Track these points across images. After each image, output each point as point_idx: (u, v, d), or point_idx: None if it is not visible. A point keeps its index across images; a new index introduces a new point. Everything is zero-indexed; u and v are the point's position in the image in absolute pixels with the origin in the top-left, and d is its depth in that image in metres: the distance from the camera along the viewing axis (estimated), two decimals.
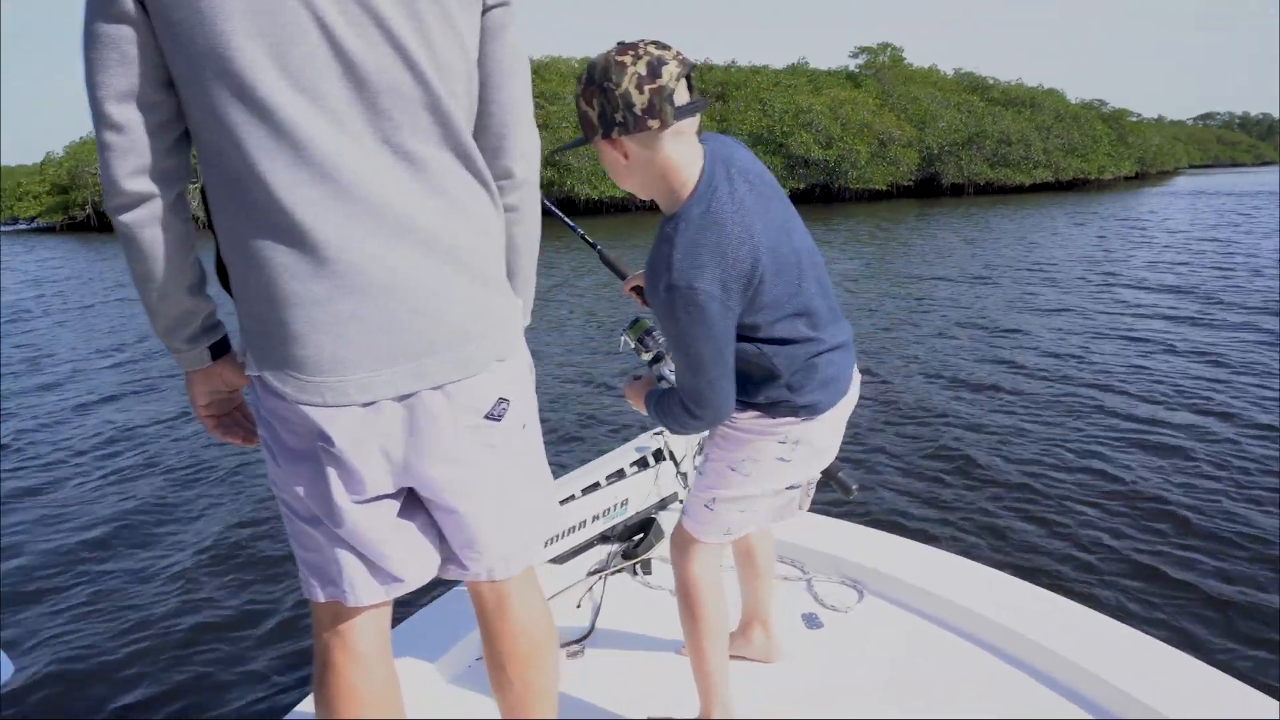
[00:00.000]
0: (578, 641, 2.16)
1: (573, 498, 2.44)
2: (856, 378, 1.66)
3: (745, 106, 40.94)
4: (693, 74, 1.39)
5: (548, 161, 36.56)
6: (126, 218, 1.09)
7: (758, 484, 1.63)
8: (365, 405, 1.13)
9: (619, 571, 2.45)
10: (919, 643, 2.06)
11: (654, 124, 1.34)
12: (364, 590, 1.24)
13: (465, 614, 2.15)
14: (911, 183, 43.31)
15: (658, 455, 2.67)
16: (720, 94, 43.18)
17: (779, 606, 2.20)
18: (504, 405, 1.23)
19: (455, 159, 1.16)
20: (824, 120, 40.51)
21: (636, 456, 2.63)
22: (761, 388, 1.53)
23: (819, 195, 41.12)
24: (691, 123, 1.40)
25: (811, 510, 2.61)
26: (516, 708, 1.39)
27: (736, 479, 1.63)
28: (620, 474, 2.57)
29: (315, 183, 1.06)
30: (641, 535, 2.56)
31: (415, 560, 1.28)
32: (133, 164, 1.05)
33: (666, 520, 2.63)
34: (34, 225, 40.89)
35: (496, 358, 1.21)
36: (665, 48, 1.36)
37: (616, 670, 2.03)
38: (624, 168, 1.42)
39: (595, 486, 2.51)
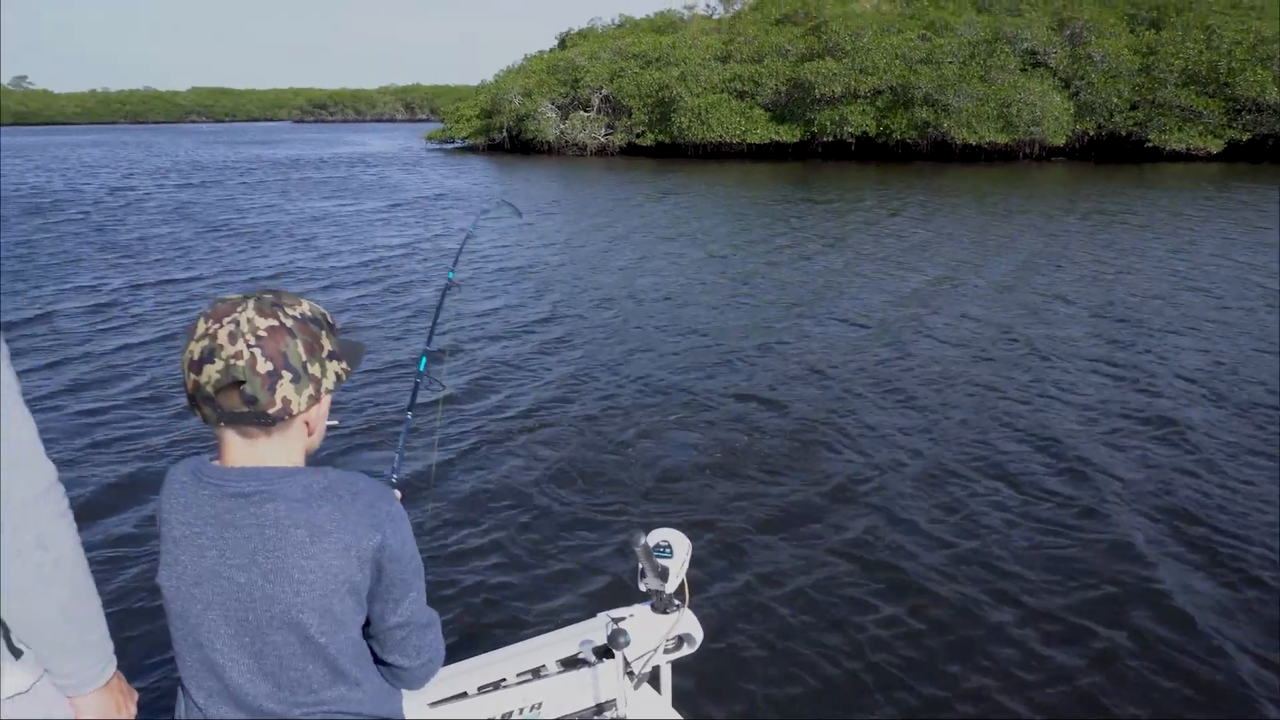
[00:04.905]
0: None
1: (464, 695, 2.02)
2: None
3: (1183, 35, 33.89)
4: (233, 381, 1.20)
5: (925, 100, 33.82)
6: None
7: None
8: None
9: None
10: None
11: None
12: None
13: None
14: None
15: (603, 651, 2.16)
16: (1154, 20, 36.24)
17: None
18: None
19: None
20: None
21: (572, 651, 2.15)
22: None
23: (1269, 150, 33.09)
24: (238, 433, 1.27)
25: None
26: None
27: None
28: (538, 672, 2.11)
29: None
30: None
31: None
32: None
33: None
34: (464, 144, 47.85)
35: None
36: (216, 328, 1.21)
37: None
38: None
39: (497, 685, 2.07)
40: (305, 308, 1.28)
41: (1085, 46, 34.60)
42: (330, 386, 1.29)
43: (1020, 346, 8.11)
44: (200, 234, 16.08)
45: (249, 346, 1.20)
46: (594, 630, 2.19)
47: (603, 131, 41.27)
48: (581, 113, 41.54)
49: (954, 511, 4.80)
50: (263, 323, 1.22)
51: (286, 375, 1.22)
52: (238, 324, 1.21)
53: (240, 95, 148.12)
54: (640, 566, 2.18)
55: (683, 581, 2.24)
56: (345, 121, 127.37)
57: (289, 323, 1.24)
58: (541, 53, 50.42)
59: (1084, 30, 35.08)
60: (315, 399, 1.27)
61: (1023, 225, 16.27)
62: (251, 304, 1.23)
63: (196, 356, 1.21)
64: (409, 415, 2.43)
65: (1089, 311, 9.49)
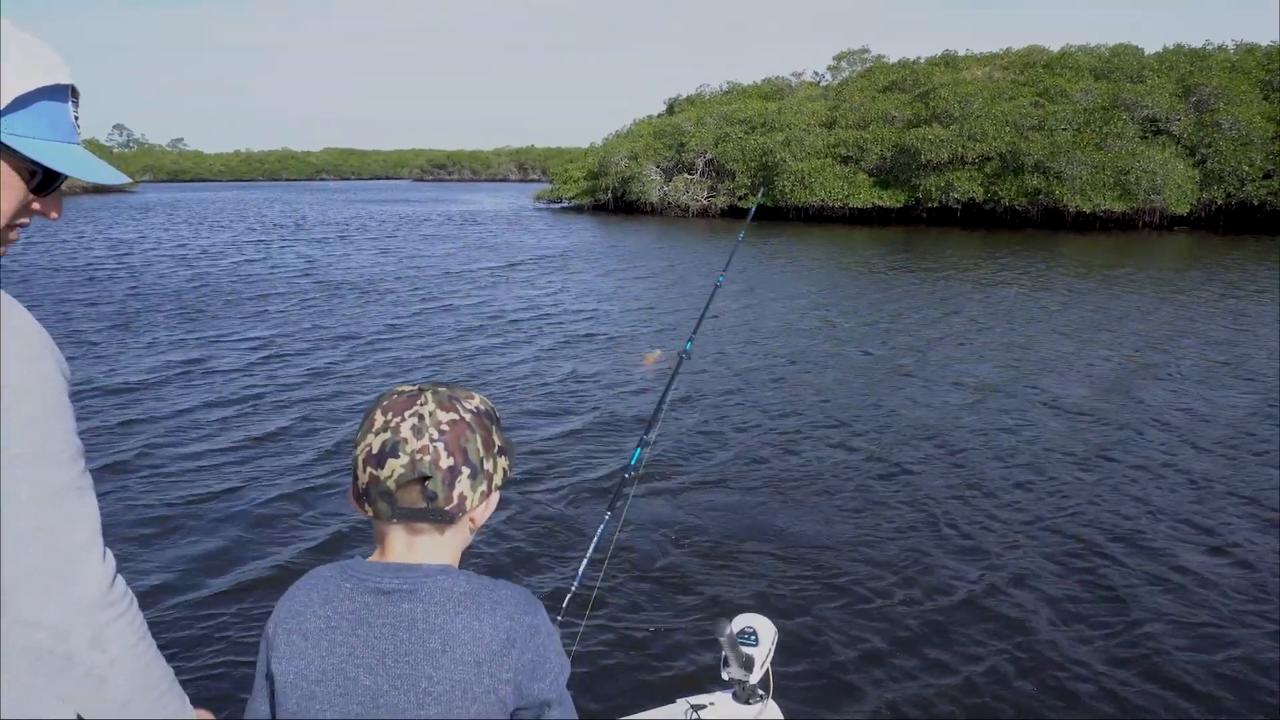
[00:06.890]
0: None
1: None
2: None
3: None
4: (421, 480, 1.18)
5: (1035, 167, 32.95)
6: None
7: None
8: None
9: None
10: None
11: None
12: None
13: None
14: None
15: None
16: None
17: None
18: None
19: None
20: None
21: None
22: None
23: None
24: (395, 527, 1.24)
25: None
26: None
27: None
28: None
29: None
30: None
31: None
32: None
33: None
34: (570, 204, 49.34)
35: None
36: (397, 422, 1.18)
37: None
38: None
39: None
40: (478, 401, 1.26)
41: (1213, 114, 33.13)
42: (499, 483, 1.27)
43: (1151, 418, 7.70)
44: (318, 288, 17.08)
45: (433, 441, 1.18)
46: (672, 717, 2.14)
47: (705, 193, 41.83)
48: (685, 175, 42.28)
49: (1092, 608, 4.56)
50: (444, 416, 1.20)
51: (465, 471, 1.20)
52: (421, 417, 1.18)
53: (366, 155, 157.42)
54: (723, 654, 2.11)
55: (768, 671, 2.16)
56: (462, 181, 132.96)
57: (468, 417, 1.22)
58: (650, 117, 51.75)
59: (1211, 97, 33.64)
60: (486, 495, 1.25)
61: (1149, 293, 15.53)
62: (430, 396, 1.21)
63: (376, 450, 1.18)
64: (607, 515, 2.26)
65: (1234, 388, 8.97)
